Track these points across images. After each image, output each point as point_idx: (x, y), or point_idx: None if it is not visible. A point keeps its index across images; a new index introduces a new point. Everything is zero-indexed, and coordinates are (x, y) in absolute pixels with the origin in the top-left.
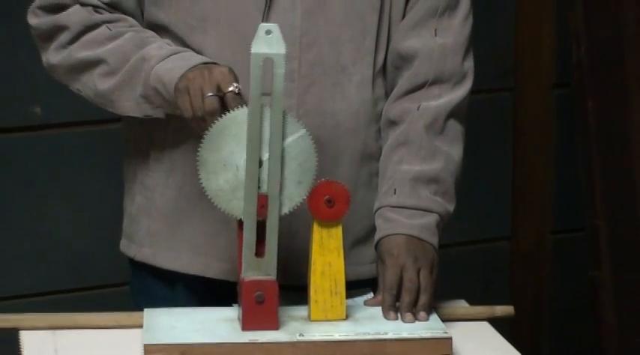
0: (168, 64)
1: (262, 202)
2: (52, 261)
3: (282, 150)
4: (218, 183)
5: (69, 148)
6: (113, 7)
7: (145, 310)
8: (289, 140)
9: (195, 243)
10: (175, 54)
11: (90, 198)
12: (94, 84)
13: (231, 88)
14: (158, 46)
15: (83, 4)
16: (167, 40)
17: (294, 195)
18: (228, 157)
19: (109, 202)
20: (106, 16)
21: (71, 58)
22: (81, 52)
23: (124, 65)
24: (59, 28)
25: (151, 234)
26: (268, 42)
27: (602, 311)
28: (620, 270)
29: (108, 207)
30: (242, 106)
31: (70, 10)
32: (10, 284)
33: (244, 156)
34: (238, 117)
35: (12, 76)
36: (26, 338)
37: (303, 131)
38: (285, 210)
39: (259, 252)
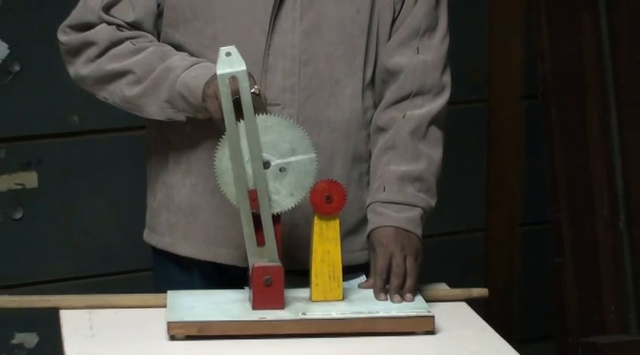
0: (192, 72)
1: (253, 197)
2: (87, 249)
3: (289, 163)
4: (228, 166)
5: (101, 151)
6: (134, 27)
7: (169, 292)
8: (298, 157)
9: (208, 233)
10: (197, 64)
11: (119, 194)
12: (121, 91)
13: (252, 90)
14: (180, 57)
15: (109, 24)
16: (186, 53)
17: (283, 203)
18: (245, 148)
19: (136, 197)
20: (129, 33)
21: (100, 70)
22: (108, 64)
23: (150, 74)
24: (88, 44)
25: (170, 226)
26: (230, 62)
27: (564, 292)
28: (580, 257)
29: (135, 202)
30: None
31: (98, 28)
32: (51, 269)
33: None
34: (266, 121)
35: (53, 89)
36: (65, 317)
37: (313, 155)
38: (273, 212)
39: (260, 241)
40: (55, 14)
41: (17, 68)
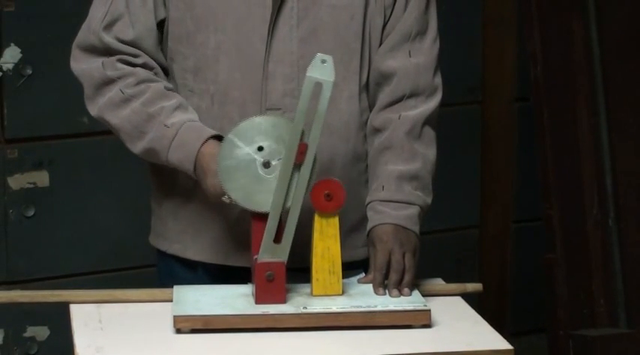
0: (175, 154)
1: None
2: (97, 245)
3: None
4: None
5: (110, 151)
6: (133, 45)
7: (175, 287)
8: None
9: (217, 237)
10: (175, 138)
11: (127, 193)
12: (126, 142)
13: (224, 198)
14: (159, 128)
15: (107, 49)
16: (169, 103)
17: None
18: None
19: (144, 196)
20: (120, 71)
21: (97, 114)
22: (103, 111)
23: (143, 136)
24: (81, 81)
25: (179, 233)
26: (322, 69)
27: (555, 286)
28: (571, 252)
29: (142, 200)
30: None
31: (85, 67)
32: (61, 265)
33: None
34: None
35: (63, 91)
36: (75, 311)
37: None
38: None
39: (277, 238)
40: (65, 20)
41: (29, 71)
